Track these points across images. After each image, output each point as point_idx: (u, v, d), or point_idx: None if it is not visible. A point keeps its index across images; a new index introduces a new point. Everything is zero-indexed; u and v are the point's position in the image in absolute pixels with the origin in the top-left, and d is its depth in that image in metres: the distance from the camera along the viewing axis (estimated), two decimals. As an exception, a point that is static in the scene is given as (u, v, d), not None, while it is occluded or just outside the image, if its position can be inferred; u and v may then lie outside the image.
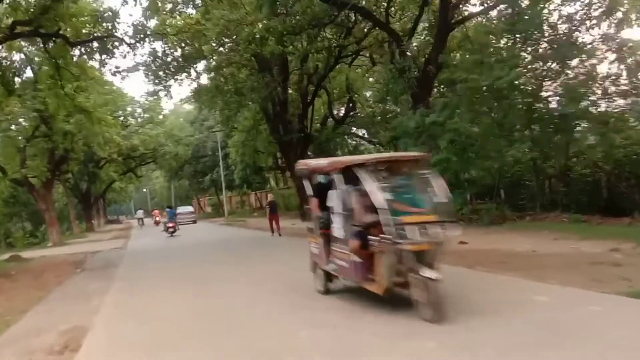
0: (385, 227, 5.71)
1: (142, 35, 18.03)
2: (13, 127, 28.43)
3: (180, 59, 26.36)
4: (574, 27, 14.78)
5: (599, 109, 14.94)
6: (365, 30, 21.88)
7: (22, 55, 22.77)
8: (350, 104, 30.55)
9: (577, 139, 15.44)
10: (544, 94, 15.46)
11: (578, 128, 15.25)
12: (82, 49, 18.30)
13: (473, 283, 7.48)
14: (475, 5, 18.48)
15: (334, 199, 7.05)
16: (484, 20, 18.44)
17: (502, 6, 16.11)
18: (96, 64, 20.52)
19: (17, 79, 21.40)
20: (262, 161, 37.31)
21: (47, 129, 27.03)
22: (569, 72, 14.83)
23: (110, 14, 16.87)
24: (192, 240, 22.11)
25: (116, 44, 17.65)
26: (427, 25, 19.46)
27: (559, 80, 15.12)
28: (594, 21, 14.42)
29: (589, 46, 14.57)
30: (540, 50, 15.15)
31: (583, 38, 15.06)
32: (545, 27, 14.92)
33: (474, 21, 18.89)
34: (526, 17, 14.08)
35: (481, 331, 5.13)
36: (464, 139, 14.76)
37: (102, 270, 13.90)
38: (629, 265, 7.77)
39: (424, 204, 6.14)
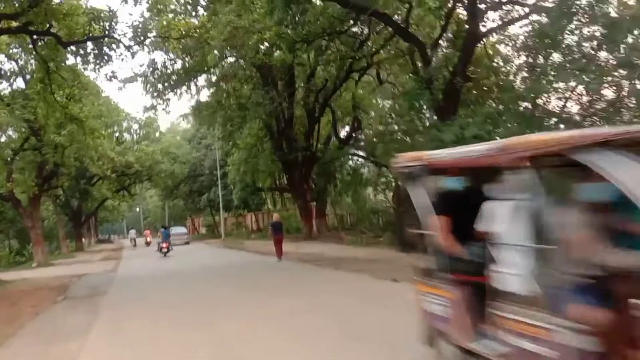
0: None
1: (142, 38, 16.43)
2: (2, 138, 26.77)
3: (181, 71, 25.07)
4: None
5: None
6: (381, 42, 20.63)
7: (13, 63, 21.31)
8: (355, 124, 29.17)
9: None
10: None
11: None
12: (76, 52, 16.63)
13: None
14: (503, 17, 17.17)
15: (501, 217, 3.84)
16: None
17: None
18: (91, 74, 18.98)
19: (5, 84, 19.77)
20: (262, 181, 35.73)
21: (36, 141, 25.35)
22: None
23: (108, 13, 15.27)
24: (190, 266, 19.83)
25: (113, 46, 15.99)
26: (450, 36, 18.17)
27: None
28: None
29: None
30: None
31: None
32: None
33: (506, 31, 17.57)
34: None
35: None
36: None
37: (87, 300, 12.04)
38: None
39: None
